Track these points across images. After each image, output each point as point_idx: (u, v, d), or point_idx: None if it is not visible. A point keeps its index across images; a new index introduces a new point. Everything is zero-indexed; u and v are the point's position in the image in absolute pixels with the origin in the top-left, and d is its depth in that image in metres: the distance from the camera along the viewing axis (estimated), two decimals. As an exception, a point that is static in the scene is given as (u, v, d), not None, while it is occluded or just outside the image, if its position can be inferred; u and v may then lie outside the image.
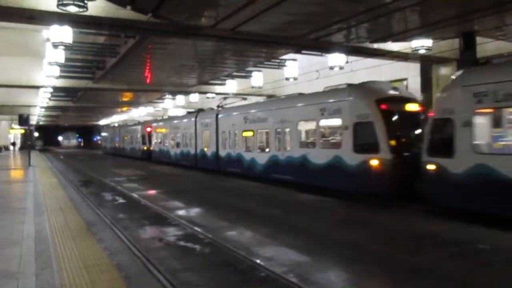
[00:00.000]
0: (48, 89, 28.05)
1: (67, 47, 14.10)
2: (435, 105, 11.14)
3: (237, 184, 17.88)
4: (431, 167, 10.21)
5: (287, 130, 16.26)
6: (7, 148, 57.21)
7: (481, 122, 9.60)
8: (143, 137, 37.04)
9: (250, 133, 19.00)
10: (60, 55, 16.74)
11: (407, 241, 7.99)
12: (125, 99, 40.39)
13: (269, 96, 28.12)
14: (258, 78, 23.51)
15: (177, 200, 13.20)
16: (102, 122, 71.23)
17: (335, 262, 6.78)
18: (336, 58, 17.16)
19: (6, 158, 36.78)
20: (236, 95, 27.12)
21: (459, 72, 10.32)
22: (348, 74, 19.89)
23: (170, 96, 34.93)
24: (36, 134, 77.16)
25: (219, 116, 22.19)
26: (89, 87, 27.40)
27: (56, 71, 20.20)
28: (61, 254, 6.14)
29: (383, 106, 12.31)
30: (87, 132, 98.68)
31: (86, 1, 10.39)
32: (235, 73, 25.39)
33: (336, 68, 17.51)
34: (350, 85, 13.99)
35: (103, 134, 60.94)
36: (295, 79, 21.44)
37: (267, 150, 17.64)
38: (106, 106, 48.45)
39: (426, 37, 15.24)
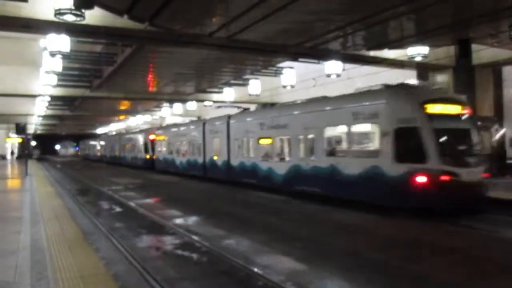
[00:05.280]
0: (45, 98, 28.06)
1: (65, 56, 14.12)
2: None
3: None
4: (155, 158, 31.98)
5: (134, 143, 39.77)
6: (4, 157, 57.01)
7: (158, 143, 32.06)
8: (99, 147, 60.38)
9: (128, 146, 42.16)
10: (57, 64, 16.77)
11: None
12: (122, 108, 40.45)
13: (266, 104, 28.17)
14: (255, 86, 23.59)
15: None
16: (99, 130, 71.27)
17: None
18: (333, 66, 17.24)
19: (3, 167, 36.65)
20: (234, 103, 27.22)
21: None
22: (345, 81, 19.91)
23: (167, 104, 34.98)
24: (33, 143, 76.95)
25: (122, 137, 45.88)
26: (87, 96, 27.43)
27: (54, 79, 20.22)
28: (57, 264, 6.09)
29: (150, 138, 34.23)
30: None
31: (83, 10, 10.44)
32: (232, 81, 25.46)
33: (333, 75, 17.58)
34: (141, 130, 41.11)
35: (80, 146, 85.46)
36: (292, 86, 21.51)
37: (138, 154, 37.91)
38: (103, 115, 48.46)
39: (422, 44, 15.34)
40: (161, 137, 31.01)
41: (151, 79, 25.13)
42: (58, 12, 10.52)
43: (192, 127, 25.56)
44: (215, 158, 21.34)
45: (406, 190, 10.60)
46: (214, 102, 30.40)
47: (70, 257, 6.50)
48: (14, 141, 53.14)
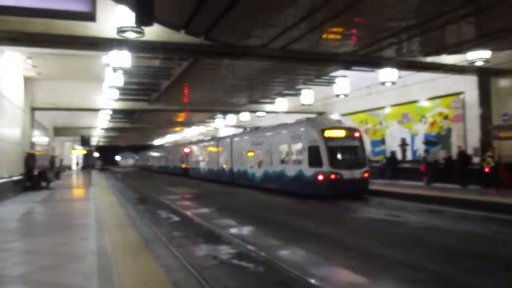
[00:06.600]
0: (107, 111, 29.55)
1: (125, 71, 14.84)
2: None
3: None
4: (189, 167, 41.16)
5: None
6: (70, 168, 60.53)
7: (190, 155, 41.34)
8: (151, 159, 69.62)
9: (170, 157, 52.16)
10: (119, 79, 17.64)
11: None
12: (178, 119, 41.74)
13: (319, 113, 28.02)
14: (308, 95, 23.54)
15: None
16: (156, 142, 74.01)
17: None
18: (388, 73, 16.83)
19: (69, 178, 38.86)
20: (287, 113, 27.37)
21: None
22: (401, 89, 19.42)
23: (221, 116, 35.65)
24: (96, 154, 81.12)
25: (166, 149, 58.66)
26: (145, 109, 28.59)
27: (115, 94, 21.26)
28: (121, 270, 6.36)
29: (185, 151, 42.78)
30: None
31: (143, 28, 10.97)
32: (285, 91, 25.55)
33: (388, 83, 17.18)
34: (178, 144, 53.62)
35: (136, 157, 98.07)
36: (345, 95, 21.24)
37: (177, 164, 46.05)
38: (160, 127, 50.24)
39: (483, 48, 14.68)
40: (192, 150, 40.76)
41: (205, 91, 25.75)
42: (120, 30, 11.13)
43: (211, 143, 34.56)
44: (224, 166, 29.51)
45: (314, 184, 17.27)
46: (267, 112, 30.62)
47: (133, 263, 6.78)
48: (78, 152, 56.56)
